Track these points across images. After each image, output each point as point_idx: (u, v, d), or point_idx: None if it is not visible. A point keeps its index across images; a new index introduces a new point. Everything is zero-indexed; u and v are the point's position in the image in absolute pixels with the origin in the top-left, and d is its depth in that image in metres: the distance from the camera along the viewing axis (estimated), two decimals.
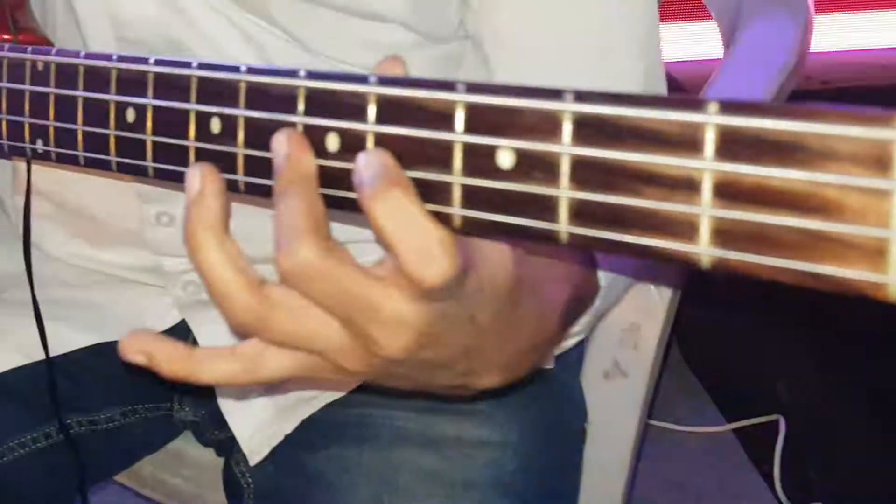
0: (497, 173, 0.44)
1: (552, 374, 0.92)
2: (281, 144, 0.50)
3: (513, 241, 0.50)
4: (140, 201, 0.88)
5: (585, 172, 0.41)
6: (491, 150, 0.44)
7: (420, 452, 0.88)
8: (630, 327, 1.00)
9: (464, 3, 0.79)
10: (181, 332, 0.92)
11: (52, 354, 0.85)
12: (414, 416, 0.89)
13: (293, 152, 0.50)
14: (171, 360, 0.53)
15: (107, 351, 0.91)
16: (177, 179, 0.61)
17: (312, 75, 0.52)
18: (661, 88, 0.83)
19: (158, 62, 0.61)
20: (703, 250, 0.37)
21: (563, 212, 0.42)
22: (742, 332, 2.12)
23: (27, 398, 0.89)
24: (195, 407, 0.96)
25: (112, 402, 0.95)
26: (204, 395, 0.94)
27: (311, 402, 0.90)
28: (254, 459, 0.89)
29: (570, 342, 0.83)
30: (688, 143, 0.37)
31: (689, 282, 1.00)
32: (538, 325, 0.61)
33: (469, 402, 0.84)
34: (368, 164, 0.47)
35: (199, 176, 0.51)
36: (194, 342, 0.91)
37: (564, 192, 0.41)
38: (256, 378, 0.53)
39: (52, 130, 0.69)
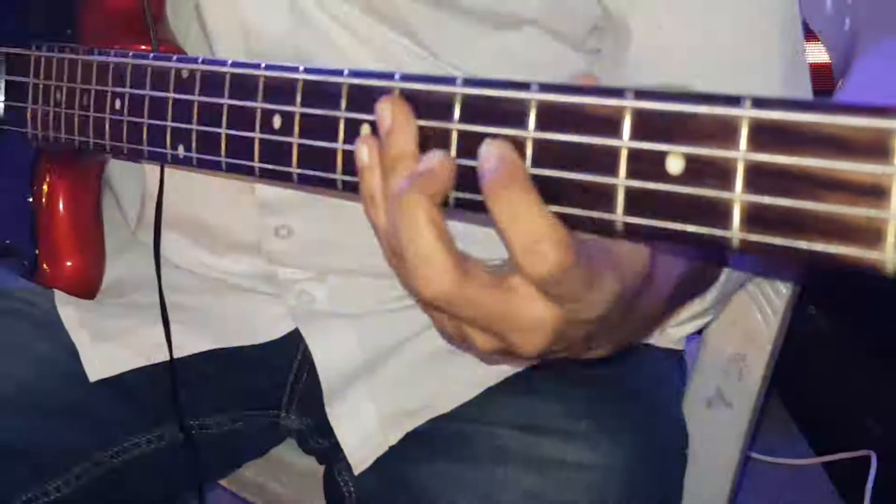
0: (665, 178, 0.44)
1: (656, 401, 0.92)
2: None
3: (678, 246, 0.51)
4: (260, 213, 0.90)
5: (761, 178, 0.41)
6: (660, 156, 0.44)
7: (523, 472, 0.88)
8: (735, 357, 1.00)
9: None
10: (293, 340, 0.94)
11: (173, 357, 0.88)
12: (517, 436, 0.89)
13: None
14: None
15: (221, 357, 0.93)
16: (320, 184, 0.63)
17: (470, 82, 0.53)
18: (804, 77, 0.82)
19: (308, 70, 0.62)
20: (891, 257, 0.37)
21: (736, 218, 0.42)
22: (833, 363, 2.08)
23: (143, 399, 0.91)
24: (301, 415, 0.98)
25: (222, 407, 0.96)
26: (310, 404, 0.95)
27: (417, 415, 0.90)
28: (358, 469, 0.90)
29: (700, 322, 0.89)
30: (877, 149, 0.37)
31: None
32: (650, 313, 0.65)
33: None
34: (487, 157, 0.49)
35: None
36: (306, 351, 0.93)
37: (738, 197, 0.42)
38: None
39: (194, 136, 0.71)
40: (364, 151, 0.56)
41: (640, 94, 0.45)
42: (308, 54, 0.84)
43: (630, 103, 0.46)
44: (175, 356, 0.89)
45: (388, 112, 0.55)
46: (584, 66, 0.86)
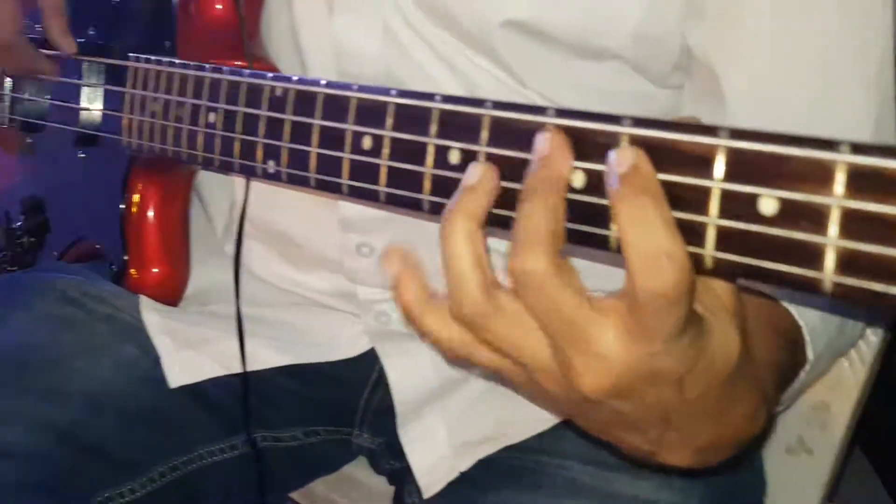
0: (757, 219, 0.44)
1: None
2: (542, 143, 0.51)
3: (766, 285, 0.50)
4: (342, 231, 0.91)
5: (858, 224, 0.40)
6: (752, 198, 0.44)
7: None
8: (819, 405, 0.97)
9: (698, 15, 0.78)
10: (369, 359, 0.95)
11: (248, 369, 0.89)
12: (589, 470, 0.88)
13: (552, 154, 0.51)
14: (413, 292, 0.55)
15: (298, 372, 0.95)
16: (407, 205, 0.64)
17: (562, 113, 0.53)
18: (891, 125, 0.80)
19: (401, 94, 0.63)
20: None
21: (830, 261, 0.41)
22: None
23: (219, 408, 0.92)
24: (373, 435, 0.99)
25: (296, 422, 0.98)
26: (383, 424, 0.96)
27: (490, 442, 0.90)
28: (428, 492, 0.90)
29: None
30: None
31: None
32: (745, 413, 0.58)
33: (650, 469, 0.83)
34: (620, 163, 0.48)
35: (480, 171, 0.53)
36: (381, 371, 0.94)
37: (833, 242, 0.41)
38: (467, 355, 0.55)
39: (285, 152, 0.73)
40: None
41: (735, 133, 0.45)
42: (399, 76, 0.85)
43: (724, 142, 0.45)
44: (252, 369, 0.91)
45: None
46: (668, 101, 0.86)
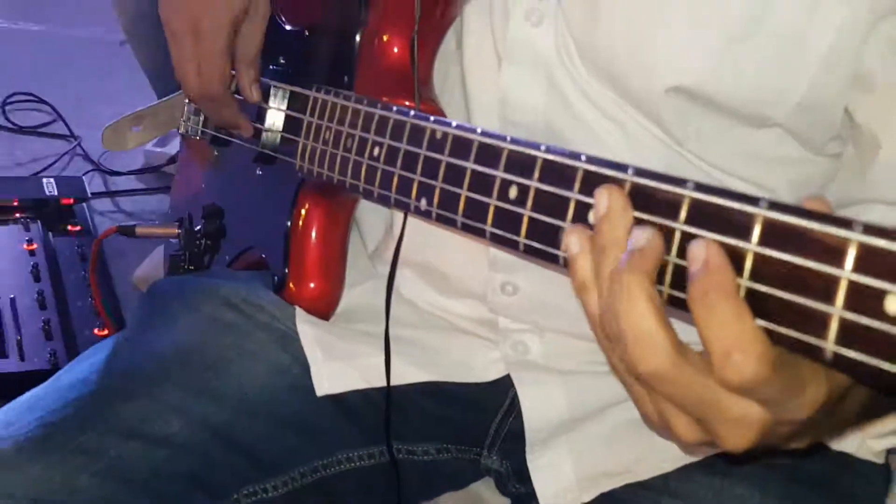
0: (882, 317, 0.43)
1: (859, 493, 0.89)
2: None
3: (882, 387, 0.49)
4: (489, 268, 0.92)
5: None
6: (880, 293, 0.43)
7: None
8: None
9: (867, 88, 0.77)
10: (503, 385, 0.96)
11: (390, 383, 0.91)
12: None
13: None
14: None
15: (435, 390, 0.97)
16: (543, 258, 0.64)
17: (701, 188, 0.53)
18: None
19: (549, 150, 0.64)
20: None
21: None
22: None
23: (360, 418, 0.95)
24: (502, 457, 0.99)
25: (430, 438, 0.99)
26: (512, 449, 0.96)
27: (614, 477, 0.90)
28: None
29: None
30: None
31: None
32: (851, 418, 0.61)
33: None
34: (695, 258, 0.50)
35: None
36: (514, 397, 0.94)
37: None
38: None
39: (437, 192, 0.75)
40: (574, 240, 0.58)
41: (868, 229, 0.44)
42: (559, 128, 0.86)
43: (857, 237, 0.44)
44: (395, 383, 0.93)
45: (605, 199, 0.56)
46: (823, 167, 0.83)
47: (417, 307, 1.00)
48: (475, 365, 0.97)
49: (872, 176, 0.76)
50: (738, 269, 0.50)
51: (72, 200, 2.20)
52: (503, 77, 0.87)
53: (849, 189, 0.79)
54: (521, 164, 0.66)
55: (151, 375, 0.91)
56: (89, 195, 2.24)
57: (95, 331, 1.80)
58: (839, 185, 0.81)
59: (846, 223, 0.45)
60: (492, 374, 0.97)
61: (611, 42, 0.81)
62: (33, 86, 2.78)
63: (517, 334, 0.94)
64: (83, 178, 2.35)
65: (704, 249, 0.49)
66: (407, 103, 0.88)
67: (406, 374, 0.95)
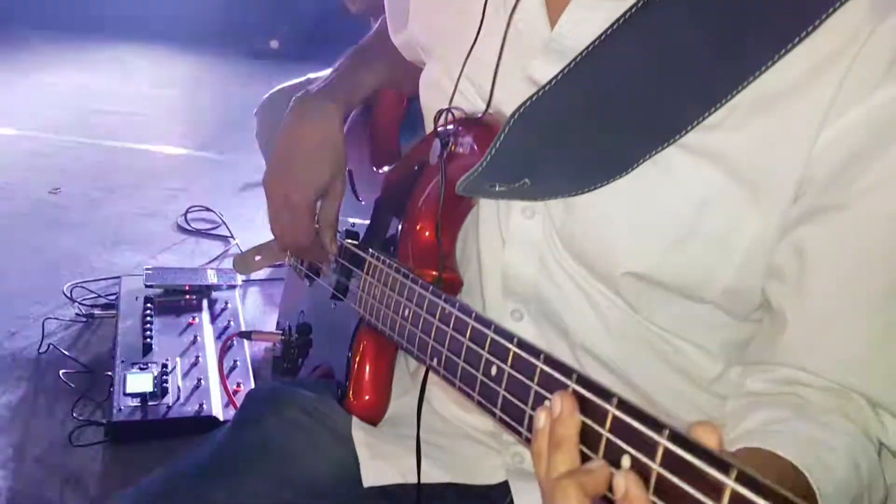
0: None
1: None
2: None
3: None
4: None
5: None
6: None
7: None
8: None
9: (778, 279, 0.71)
10: (506, 489, 0.91)
11: (420, 481, 0.88)
12: None
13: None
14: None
15: (454, 488, 0.92)
16: (511, 430, 0.61)
17: (622, 406, 0.49)
18: None
19: (519, 344, 0.61)
20: None
21: None
22: None
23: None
24: None
25: None
26: None
27: None
28: None
29: None
30: None
31: None
32: None
33: None
34: (618, 489, 0.46)
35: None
36: (512, 503, 0.90)
37: None
38: None
39: (444, 356, 0.72)
40: (542, 419, 0.54)
41: (742, 477, 0.40)
42: (546, 297, 0.82)
43: (731, 483, 0.40)
44: (422, 481, 0.89)
45: (558, 403, 0.52)
46: (750, 331, 0.78)
47: (444, 418, 0.97)
48: (483, 470, 0.92)
49: (781, 346, 0.70)
50: (646, 482, 0.45)
51: (224, 286, 2.25)
52: (505, 255, 0.84)
53: (761, 352, 0.73)
54: (500, 349, 0.63)
55: (243, 464, 0.89)
56: (238, 283, 2.29)
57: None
58: (755, 346, 0.76)
59: (725, 468, 0.40)
60: (496, 478, 0.92)
61: (582, 236, 0.78)
62: (207, 198, 2.87)
63: (515, 446, 0.90)
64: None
65: (625, 482, 0.45)
66: (434, 272, 0.86)
67: (432, 474, 0.91)
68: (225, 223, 2.74)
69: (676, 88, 0.69)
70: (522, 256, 0.83)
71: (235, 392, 1.85)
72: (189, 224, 2.77)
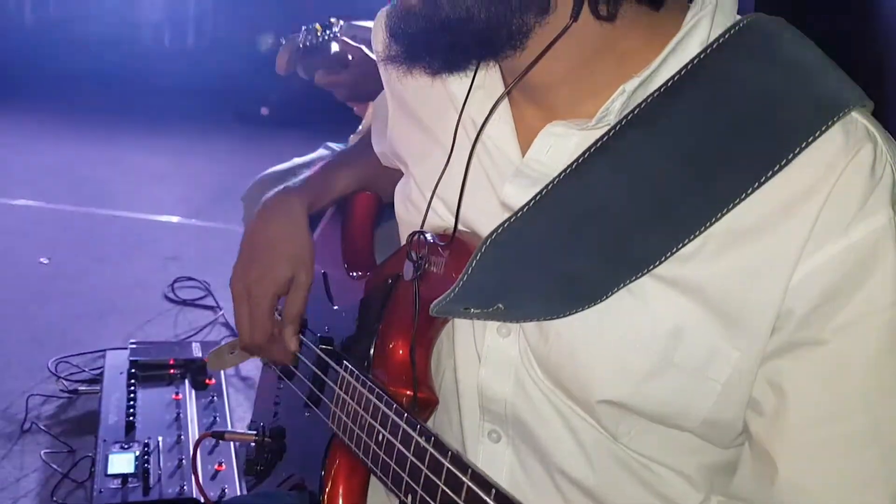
0: None
1: None
2: None
3: None
4: None
5: None
6: None
7: None
8: None
9: (757, 412, 0.68)
10: None
11: None
12: None
13: None
14: None
15: None
16: None
17: None
18: None
19: (472, 475, 0.56)
20: None
21: None
22: None
23: None
24: None
25: None
26: None
27: None
28: None
29: None
30: None
31: None
32: None
33: None
34: None
35: None
36: None
37: None
38: None
39: (419, 497, 0.67)
40: None
41: None
42: (523, 419, 0.78)
43: None
44: None
45: None
46: (732, 455, 0.73)
47: None
48: None
49: (777, 495, 0.66)
50: None
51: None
52: (481, 373, 0.80)
53: (747, 490, 0.69)
54: (452, 477, 0.58)
55: None
56: None
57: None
58: (740, 480, 0.71)
59: None
60: None
61: (556, 360, 0.74)
62: (196, 266, 2.82)
63: None
64: (222, 342, 2.33)
65: None
66: (409, 392, 0.81)
67: None
68: (211, 293, 2.69)
69: (649, 218, 0.66)
70: (498, 375, 0.78)
71: (217, 472, 1.78)
72: (176, 294, 2.71)
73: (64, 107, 4.50)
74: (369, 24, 2.34)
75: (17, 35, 4.80)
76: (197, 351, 2.20)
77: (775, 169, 0.63)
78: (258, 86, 4.60)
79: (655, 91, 0.67)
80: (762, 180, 0.63)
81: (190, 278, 2.79)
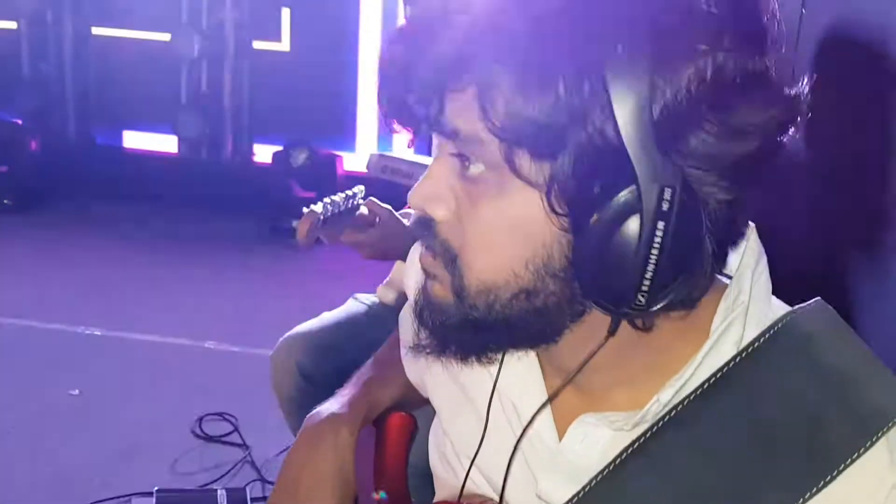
0: None
1: None
2: None
3: None
4: None
5: None
6: None
7: None
8: None
9: None
10: None
11: None
12: None
13: None
14: None
15: None
16: None
17: None
18: None
19: None
20: None
21: None
22: None
23: None
24: None
25: None
26: None
27: None
28: None
29: None
30: None
31: None
32: None
33: None
34: None
35: None
36: None
37: None
38: None
39: None
40: None
41: None
42: None
43: None
44: None
45: None
46: None
47: None
48: None
49: None
50: None
51: None
52: None
53: None
54: None
55: None
56: None
57: None
58: None
59: None
60: None
61: None
62: (222, 398, 2.80)
63: None
64: (246, 488, 2.29)
65: None
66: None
67: None
68: (238, 430, 2.66)
69: None
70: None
71: None
72: (203, 430, 2.68)
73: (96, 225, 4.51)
74: (400, 155, 2.38)
75: (58, 150, 4.83)
76: (222, 500, 2.15)
77: (819, 485, 0.61)
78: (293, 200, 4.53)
79: (691, 393, 0.66)
80: (807, 496, 0.61)
81: (217, 414, 2.77)
